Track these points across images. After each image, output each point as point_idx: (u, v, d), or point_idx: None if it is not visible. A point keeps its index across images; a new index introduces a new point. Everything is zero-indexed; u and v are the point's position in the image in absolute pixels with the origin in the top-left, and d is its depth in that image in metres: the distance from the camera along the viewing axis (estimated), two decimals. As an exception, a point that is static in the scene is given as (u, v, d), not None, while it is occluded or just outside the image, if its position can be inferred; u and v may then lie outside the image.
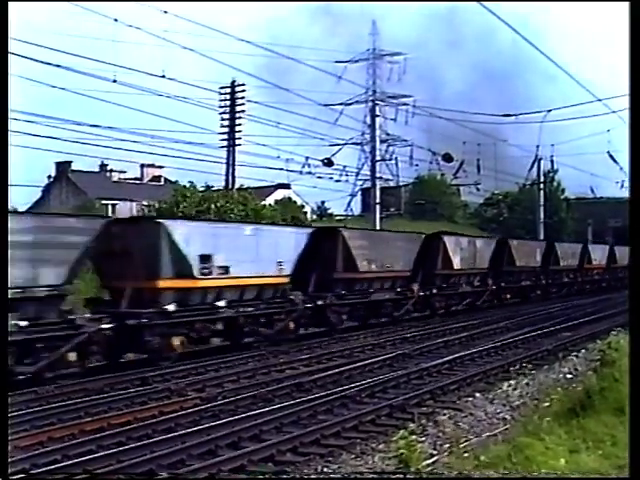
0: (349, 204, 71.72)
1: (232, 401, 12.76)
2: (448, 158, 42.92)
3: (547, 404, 12.09)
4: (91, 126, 29.46)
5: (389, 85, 65.05)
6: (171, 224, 17.79)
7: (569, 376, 15.44)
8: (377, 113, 44.19)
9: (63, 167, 60.27)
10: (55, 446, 10.03)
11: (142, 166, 64.15)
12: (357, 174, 53.96)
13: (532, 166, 53.69)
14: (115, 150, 35.43)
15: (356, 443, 10.45)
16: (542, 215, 54.55)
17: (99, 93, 45.71)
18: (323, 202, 74.72)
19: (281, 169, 39.13)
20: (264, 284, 19.76)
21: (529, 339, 20.82)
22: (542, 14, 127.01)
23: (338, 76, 47.31)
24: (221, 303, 18.32)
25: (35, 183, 59.40)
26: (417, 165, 47.29)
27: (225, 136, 42.63)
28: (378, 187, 42.84)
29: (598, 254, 45.72)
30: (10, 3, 7.75)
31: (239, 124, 42.54)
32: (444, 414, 12.12)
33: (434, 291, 27.58)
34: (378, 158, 43.82)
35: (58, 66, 24.75)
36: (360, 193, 69.07)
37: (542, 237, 51.35)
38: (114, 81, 26.89)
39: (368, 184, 49.20)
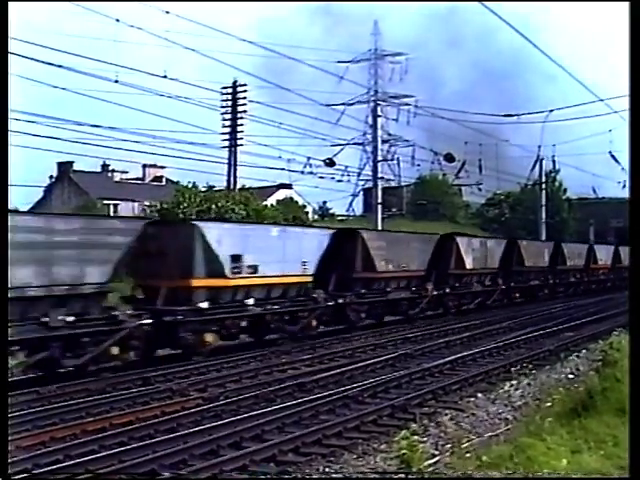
0: (351, 204, 71.75)
1: (234, 401, 12.77)
2: (450, 158, 42.94)
3: (549, 404, 12.09)
4: (92, 126, 29.53)
5: (390, 85, 65.11)
6: (205, 226, 18.53)
7: (571, 376, 15.43)
8: (379, 113, 44.22)
9: (65, 167, 60.28)
10: (57, 446, 10.03)
11: (144, 166, 64.23)
12: (359, 174, 53.92)
13: (534, 166, 53.74)
14: (116, 150, 35.38)
15: (358, 443, 10.45)
16: (544, 215, 54.55)
17: (100, 93, 45.89)
18: (325, 202, 74.88)
19: (283, 169, 39.21)
20: (289, 283, 20.47)
21: (531, 339, 20.83)
22: (542, 14, 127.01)
23: (340, 76, 47.35)
24: (250, 301, 18.96)
25: (35, 183, 59.54)
26: (419, 165, 47.43)
27: (227, 136, 42.69)
28: (380, 187, 42.86)
29: (603, 254, 46.10)
30: (10, 3, 7.75)
31: (241, 124, 42.62)
32: (446, 414, 12.12)
33: (447, 290, 28.24)
34: (380, 158, 43.85)
35: (60, 66, 24.80)
36: (362, 193, 69.13)
37: (544, 237, 51.36)
38: (116, 81, 26.97)
39: (370, 184, 49.18)
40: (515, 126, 48.61)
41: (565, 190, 70.99)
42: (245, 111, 42.20)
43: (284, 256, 20.03)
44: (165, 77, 29.44)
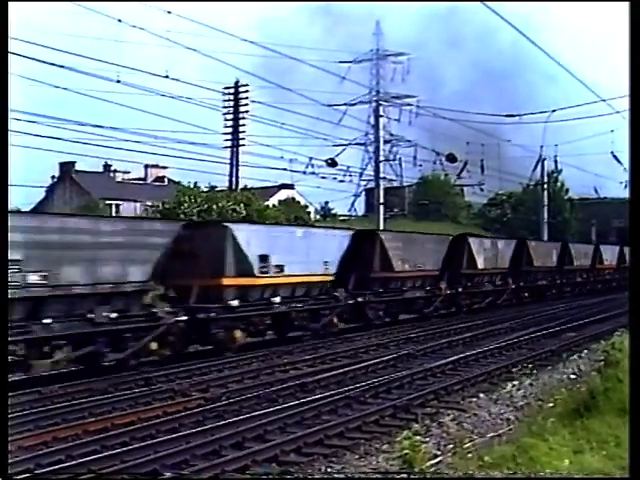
0: (353, 204, 71.86)
1: (236, 401, 12.77)
2: (452, 158, 42.96)
3: (551, 405, 12.08)
4: (94, 126, 29.62)
5: (392, 85, 65.14)
6: (235, 227, 19.30)
7: (573, 377, 15.41)
8: (381, 113, 44.25)
9: (67, 167, 60.28)
10: (59, 446, 10.03)
11: (146, 167, 64.25)
12: (361, 174, 54.05)
13: (536, 166, 53.72)
14: (118, 150, 35.43)
15: (360, 443, 10.44)
16: (546, 215, 54.54)
17: (102, 93, 45.93)
18: (327, 202, 74.80)
19: (285, 169, 39.25)
20: (313, 282, 21.26)
21: (533, 339, 20.81)
22: (542, 14, 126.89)
23: (342, 76, 47.42)
24: (276, 299, 19.71)
25: (36, 183, 59.54)
26: (421, 165, 47.49)
27: (229, 136, 42.72)
28: (382, 187, 42.88)
29: (609, 254, 46.49)
30: (10, 3, 7.76)
31: (243, 124, 42.65)
32: (448, 414, 12.12)
33: (460, 289, 28.89)
34: (382, 158, 43.93)
35: (61, 66, 24.82)
36: (364, 193, 69.23)
37: (546, 237, 51.33)
38: (117, 81, 26.98)
39: (372, 184, 49.24)
40: (517, 126, 48.64)
41: (567, 190, 71.03)
42: (247, 111, 42.28)
43: (308, 256, 20.84)
44: (167, 77, 29.50)
